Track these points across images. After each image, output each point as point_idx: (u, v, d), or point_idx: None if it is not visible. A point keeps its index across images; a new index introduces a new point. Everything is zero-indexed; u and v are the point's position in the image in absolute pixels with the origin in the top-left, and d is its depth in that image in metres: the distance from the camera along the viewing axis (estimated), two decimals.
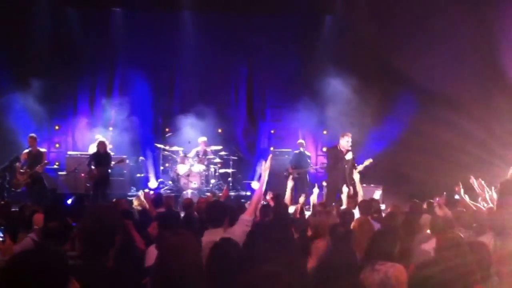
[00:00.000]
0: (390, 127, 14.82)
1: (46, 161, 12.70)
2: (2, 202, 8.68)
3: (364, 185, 12.91)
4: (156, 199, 8.62)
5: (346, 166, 11.35)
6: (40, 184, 12.43)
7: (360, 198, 8.72)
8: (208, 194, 13.00)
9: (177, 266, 2.79)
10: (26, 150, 12.48)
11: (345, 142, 11.45)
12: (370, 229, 5.00)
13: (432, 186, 11.41)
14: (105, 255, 2.92)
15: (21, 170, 12.19)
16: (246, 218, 4.95)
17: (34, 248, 2.47)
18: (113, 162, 12.99)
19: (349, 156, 11.36)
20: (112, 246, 3.01)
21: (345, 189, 9.09)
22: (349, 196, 9.23)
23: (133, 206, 8.63)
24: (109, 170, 12.94)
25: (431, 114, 13.34)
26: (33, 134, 12.74)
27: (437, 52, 13.53)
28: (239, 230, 4.79)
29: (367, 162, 11.78)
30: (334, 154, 11.73)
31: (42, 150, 12.89)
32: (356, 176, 9.97)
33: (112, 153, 13.36)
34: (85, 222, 3.11)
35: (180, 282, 2.78)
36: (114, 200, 9.32)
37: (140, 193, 9.36)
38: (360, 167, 11.70)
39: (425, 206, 8.58)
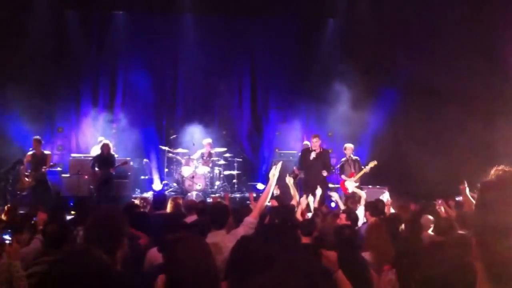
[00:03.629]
0: (395, 127, 14.77)
1: (52, 163, 12.66)
2: (9, 205, 8.59)
3: (370, 186, 12.94)
4: (157, 200, 8.26)
5: (315, 165, 11.78)
6: (44, 186, 12.36)
7: (363, 201, 8.70)
8: (214, 196, 12.99)
9: (190, 272, 2.69)
10: (30, 152, 12.35)
11: (313, 144, 11.97)
12: (385, 232, 4.95)
13: (439, 186, 11.32)
14: (112, 257, 2.85)
15: (26, 173, 12.12)
16: (251, 221, 4.91)
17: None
18: (116, 164, 12.93)
19: (312, 155, 11.76)
20: (119, 249, 2.95)
21: (318, 190, 9.16)
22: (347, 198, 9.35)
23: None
24: (113, 172, 12.85)
25: (436, 112, 13.27)
26: (37, 137, 12.59)
27: (440, 51, 13.47)
28: (243, 232, 4.73)
29: (372, 164, 11.79)
30: (301, 154, 12.35)
31: (47, 152, 12.72)
32: (351, 184, 10.16)
33: (115, 155, 13.28)
34: (92, 226, 3.06)
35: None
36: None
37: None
38: (366, 169, 11.73)
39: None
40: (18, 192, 12.17)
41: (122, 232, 3.04)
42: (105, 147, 12.77)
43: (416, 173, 12.89)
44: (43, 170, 12.19)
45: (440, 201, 8.20)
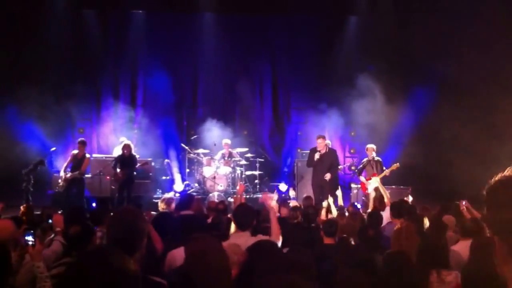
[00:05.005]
0: (420, 126, 14.62)
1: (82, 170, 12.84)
2: (24, 206, 8.64)
3: (393, 186, 12.80)
4: (183, 200, 8.22)
5: (319, 165, 11.87)
6: (79, 188, 12.48)
7: (386, 200, 8.61)
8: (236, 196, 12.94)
9: (204, 272, 2.68)
10: (74, 151, 12.60)
11: (317, 144, 12.02)
12: (414, 232, 4.89)
13: (462, 185, 11.18)
14: (131, 257, 2.84)
15: (66, 173, 12.24)
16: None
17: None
18: (138, 165, 12.95)
19: (316, 156, 11.82)
20: (138, 249, 2.94)
21: (339, 191, 9.20)
22: (375, 199, 9.31)
23: (159, 209, 8.47)
24: (134, 173, 12.88)
25: (460, 110, 13.08)
26: (82, 139, 12.92)
27: (464, 49, 13.26)
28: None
29: (394, 166, 11.67)
30: (309, 153, 12.37)
31: (87, 156, 12.76)
32: (376, 180, 10.11)
33: (137, 156, 13.31)
34: (112, 225, 3.06)
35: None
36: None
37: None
38: (387, 172, 11.61)
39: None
40: (56, 189, 12.41)
41: (142, 233, 3.02)
42: (126, 148, 12.78)
43: (442, 173, 12.75)
44: (78, 173, 12.32)
45: (464, 202, 8.06)
